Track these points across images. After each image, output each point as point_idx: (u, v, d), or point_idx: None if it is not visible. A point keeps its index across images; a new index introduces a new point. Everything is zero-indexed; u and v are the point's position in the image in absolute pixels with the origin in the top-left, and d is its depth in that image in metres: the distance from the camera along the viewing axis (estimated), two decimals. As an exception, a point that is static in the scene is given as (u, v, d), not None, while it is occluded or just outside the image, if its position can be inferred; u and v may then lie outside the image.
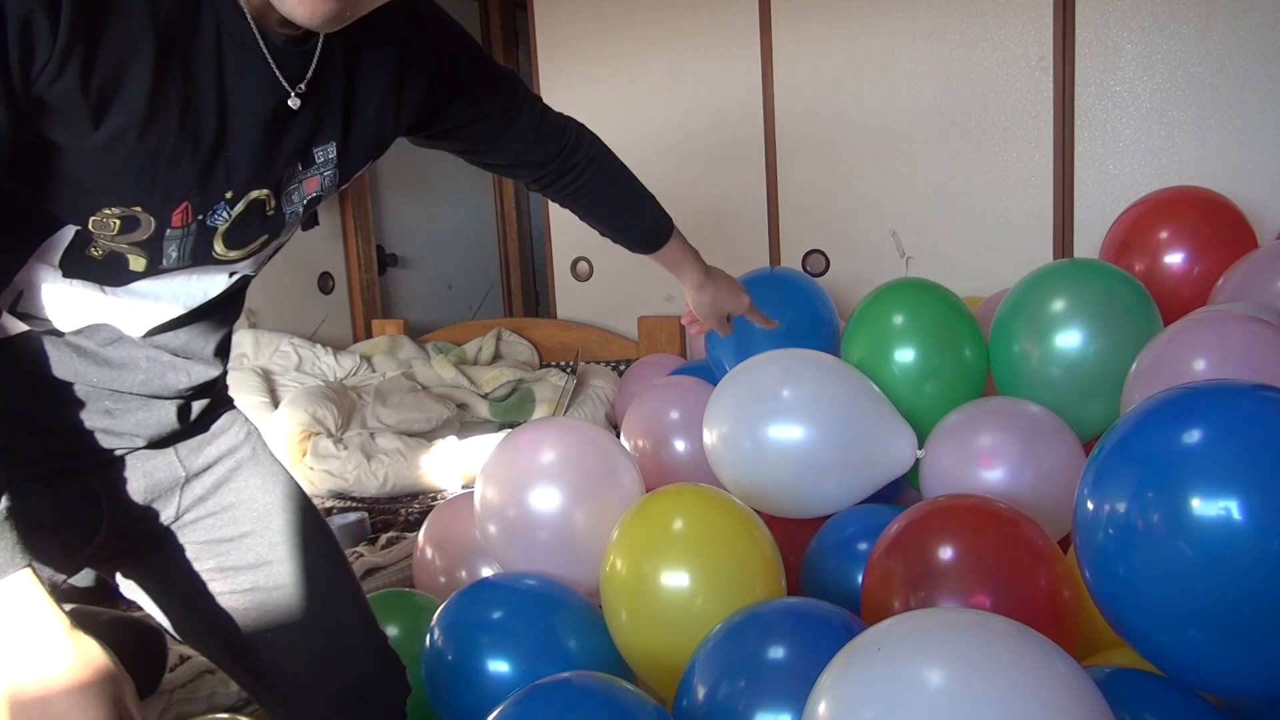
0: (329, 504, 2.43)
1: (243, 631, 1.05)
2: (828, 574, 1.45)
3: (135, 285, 0.89)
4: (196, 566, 1.04)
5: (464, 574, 1.66)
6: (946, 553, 1.18)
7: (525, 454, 1.54)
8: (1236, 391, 0.88)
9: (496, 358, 3.36)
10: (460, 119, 1.09)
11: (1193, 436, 0.85)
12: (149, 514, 1.01)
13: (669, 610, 1.26)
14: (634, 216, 1.37)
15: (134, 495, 0.98)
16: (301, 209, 0.95)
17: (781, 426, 1.55)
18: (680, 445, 1.89)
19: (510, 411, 2.95)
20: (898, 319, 1.72)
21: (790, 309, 1.94)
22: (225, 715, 1.36)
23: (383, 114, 0.97)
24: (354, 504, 2.41)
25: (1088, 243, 2.62)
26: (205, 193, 0.84)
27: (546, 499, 1.49)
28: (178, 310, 0.94)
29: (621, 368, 3.19)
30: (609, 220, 1.35)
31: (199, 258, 0.89)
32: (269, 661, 1.07)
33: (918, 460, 1.60)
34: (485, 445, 2.48)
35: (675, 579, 1.27)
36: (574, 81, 3.25)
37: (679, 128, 3.12)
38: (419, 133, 1.08)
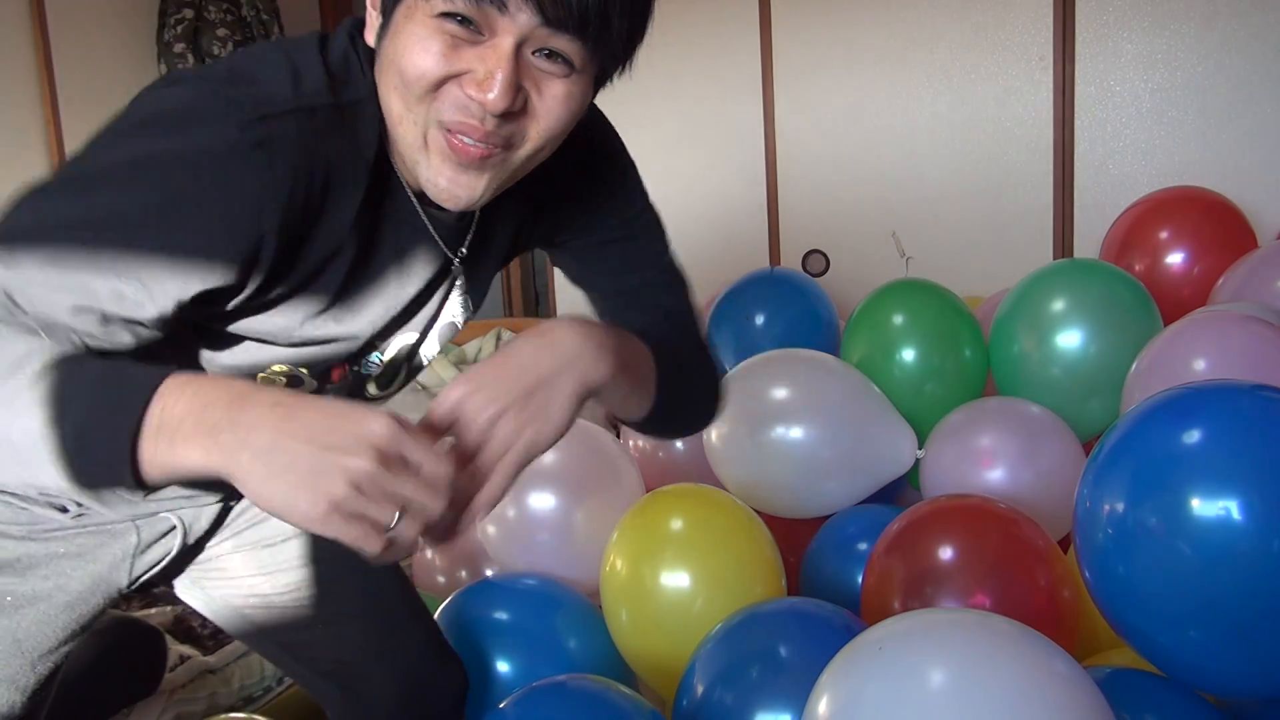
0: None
1: (295, 629, 1.06)
2: (828, 574, 1.45)
3: None
4: (243, 570, 1.06)
5: (464, 574, 1.66)
6: (946, 553, 1.18)
7: (525, 454, 1.54)
8: (1236, 392, 0.88)
9: (496, 358, 3.35)
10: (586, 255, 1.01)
11: (1193, 436, 0.85)
12: (207, 536, 1.04)
13: (669, 610, 1.26)
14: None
15: (205, 524, 1.02)
16: (438, 345, 0.98)
17: (781, 426, 1.55)
18: (680, 445, 1.89)
19: (510, 411, 2.95)
20: (898, 319, 1.72)
21: (790, 309, 1.94)
22: (226, 716, 1.36)
23: (519, 242, 0.97)
24: (354, 504, 2.40)
25: (1088, 243, 2.62)
26: (363, 352, 0.89)
27: (546, 499, 1.49)
28: None
29: (621, 368, 3.18)
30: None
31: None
32: (325, 655, 1.08)
33: (918, 460, 1.60)
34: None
35: (675, 579, 1.27)
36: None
37: (679, 127, 3.12)
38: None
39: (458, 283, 0.93)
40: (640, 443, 1.93)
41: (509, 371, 0.73)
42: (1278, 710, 0.93)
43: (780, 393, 1.58)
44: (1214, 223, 1.93)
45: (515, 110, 0.72)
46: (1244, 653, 0.82)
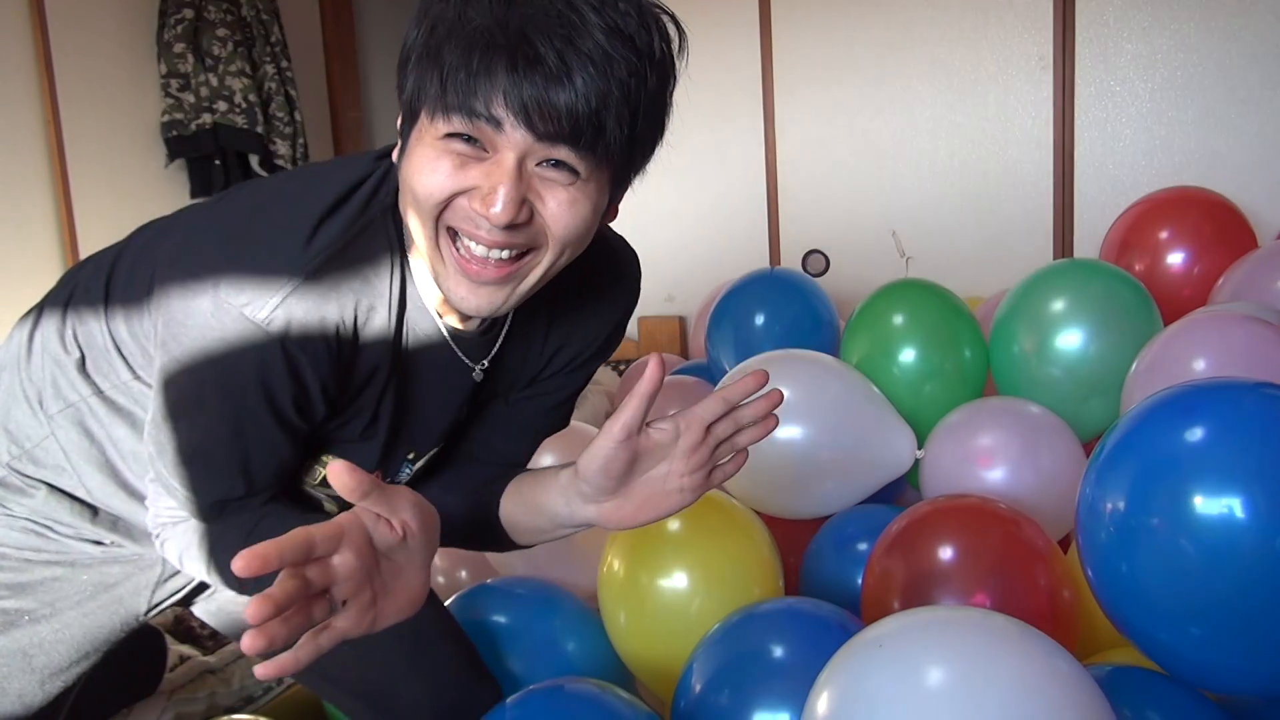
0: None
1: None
2: (828, 574, 1.45)
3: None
4: None
5: (464, 574, 1.66)
6: (946, 553, 1.18)
7: (525, 454, 1.54)
8: (1238, 390, 0.88)
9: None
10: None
11: (1194, 435, 0.84)
12: None
13: (667, 612, 1.26)
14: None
15: None
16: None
17: (781, 427, 1.54)
18: (680, 445, 1.89)
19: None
20: (898, 319, 1.72)
21: (790, 309, 1.94)
22: (226, 716, 1.35)
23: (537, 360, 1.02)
24: (354, 504, 2.40)
25: (1088, 243, 2.62)
26: (394, 460, 0.95)
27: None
28: None
29: (621, 368, 3.19)
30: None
31: None
32: (355, 675, 1.08)
33: (918, 460, 1.60)
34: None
35: (673, 580, 1.26)
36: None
37: (678, 127, 3.11)
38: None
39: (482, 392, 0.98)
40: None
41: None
42: (1279, 709, 0.93)
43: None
44: (1214, 223, 1.93)
45: (521, 222, 0.75)
46: (1246, 650, 0.82)
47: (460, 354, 0.91)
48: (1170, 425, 0.87)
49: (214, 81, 2.95)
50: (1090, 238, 2.59)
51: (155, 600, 1.03)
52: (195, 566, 0.88)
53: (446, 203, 0.75)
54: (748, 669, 1.03)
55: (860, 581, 1.32)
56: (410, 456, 0.97)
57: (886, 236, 2.83)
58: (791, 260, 3.02)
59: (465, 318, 0.89)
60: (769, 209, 3.05)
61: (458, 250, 0.78)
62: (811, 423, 1.54)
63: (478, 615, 1.33)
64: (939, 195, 2.81)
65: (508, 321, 0.94)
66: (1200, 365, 1.33)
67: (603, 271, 0.99)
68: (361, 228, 0.82)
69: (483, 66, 0.70)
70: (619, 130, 0.74)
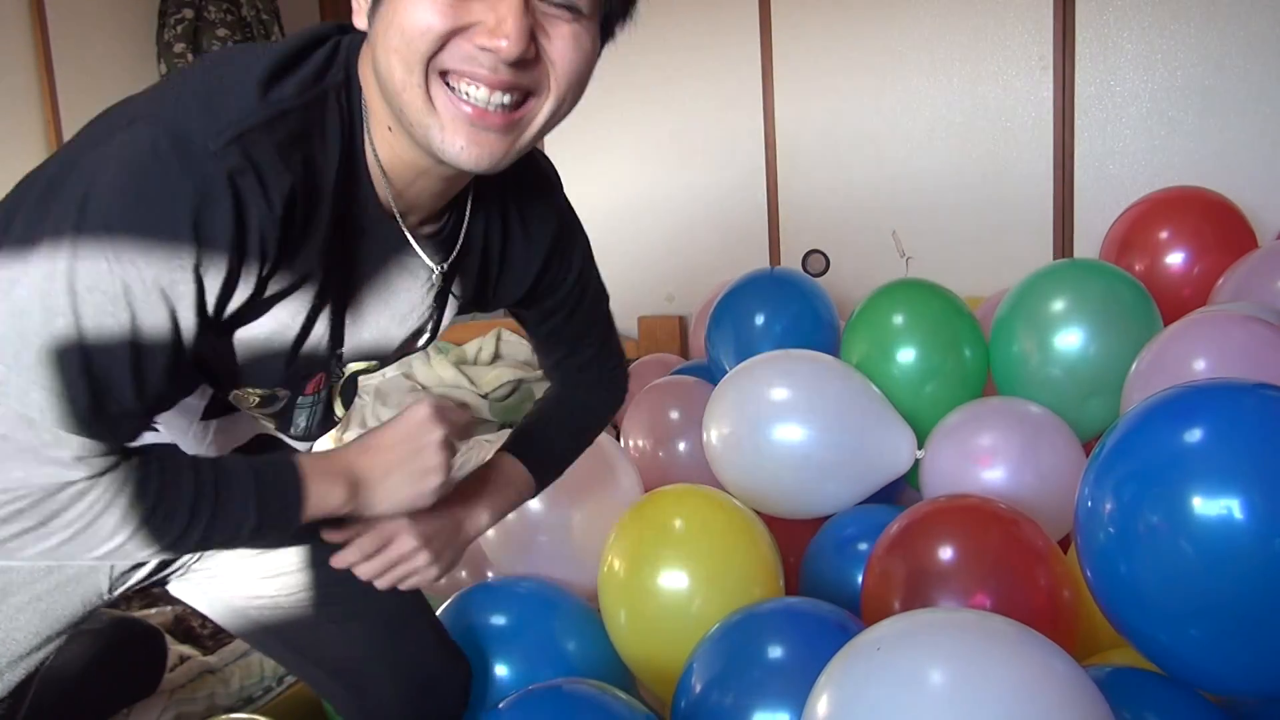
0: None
1: (299, 629, 1.07)
2: (828, 574, 1.45)
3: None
4: (243, 574, 1.05)
5: (464, 574, 1.66)
6: (946, 553, 1.18)
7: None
8: (1237, 390, 0.88)
9: (496, 358, 3.35)
10: (541, 314, 1.08)
11: (1194, 435, 0.84)
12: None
13: (667, 612, 1.26)
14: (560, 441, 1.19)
15: None
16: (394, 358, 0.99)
17: (781, 426, 1.55)
18: (680, 445, 1.89)
19: (510, 411, 2.95)
20: (898, 319, 1.72)
21: (790, 309, 1.94)
22: (226, 716, 1.35)
23: (487, 285, 0.99)
24: (354, 504, 2.40)
25: (1088, 243, 2.62)
26: (341, 364, 0.90)
27: (544, 501, 1.48)
28: None
29: (621, 368, 3.19)
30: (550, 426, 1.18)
31: (324, 423, 0.95)
32: (331, 654, 1.08)
33: (918, 460, 1.60)
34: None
35: (673, 580, 1.26)
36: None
37: (679, 127, 3.12)
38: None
39: (437, 311, 0.93)
40: (640, 443, 1.93)
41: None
42: (1278, 709, 0.93)
43: (780, 393, 1.57)
44: (1214, 223, 1.93)
45: (529, 59, 0.71)
46: (1245, 651, 0.82)
47: (420, 252, 0.85)
48: (1170, 426, 0.87)
49: (214, 81, 2.95)
50: (1090, 238, 2.59)
51: (118, 575, 0.95)
52: (112, 527, 0.73)
53: (443, 42, 0.69)
54: (748, 669, 1.03)
55: (860, 581, 1.32)
56: (363, 366, 0.91)
57: (886, 236, 2.83)
58: (791, 260, 3.02)
59: (421, 221, 0.84)
60: (769, 209, 3.05)
61: (454, 93, 0.71)
62: (811, 423, 1.54)
63: (478, 615, 1.33)
64: (939, 195, 2.81)
65: (466, 218, 0.89)
66: (1200, 365, 1.33)
67: (531, 172, 0.97)
68: (315, 97, 0.73)
69: None
70: None
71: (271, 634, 1.09)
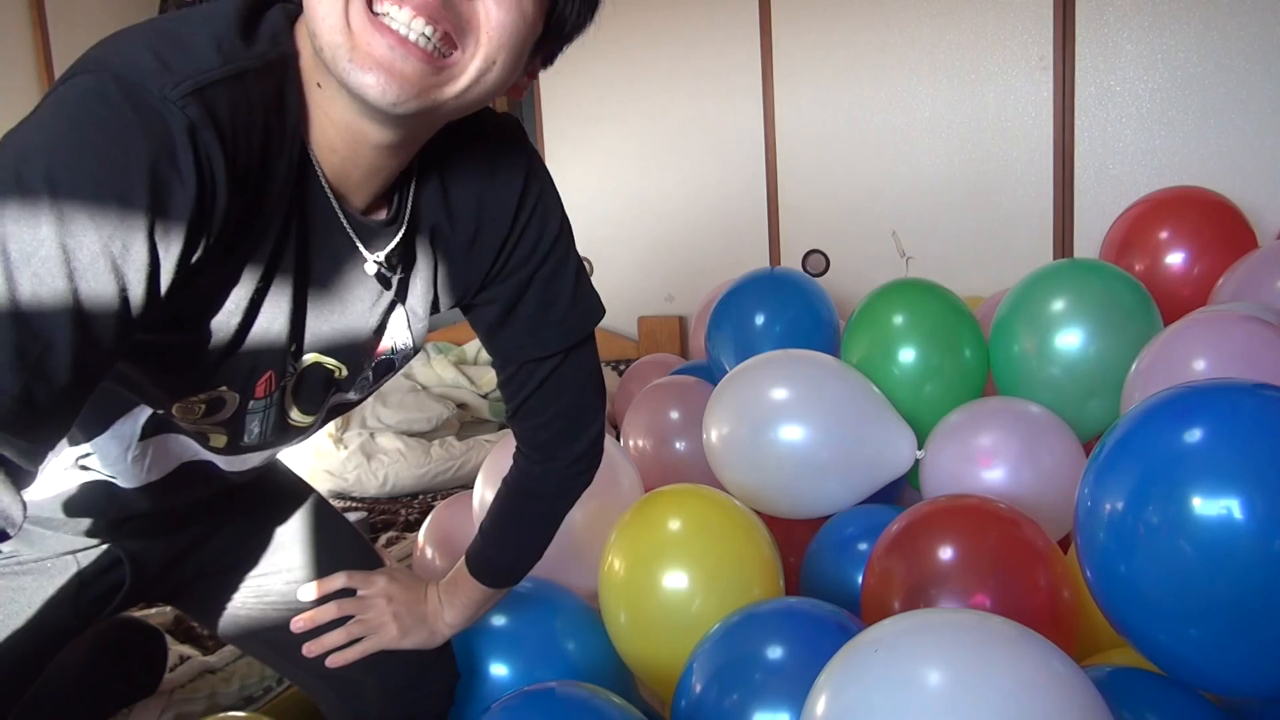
0: (329, 504, 2.43)
1: (285, 631, 1.06)
2: (828, 574, 1.45)
3: (213, 457, 0.89)
4: (226, 589, 1.06)
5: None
6: (946, 553, 1.18)
7: (525, 454, 1.54)
8: (1237, 390, 0.88)
9: (496, 358, 3.35)
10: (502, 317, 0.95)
11: (1194, 435, 0.84)
12: (175, 564, 1.02)
13: (667, 612, 1.26)
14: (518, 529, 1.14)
15: (157, 554, 1.00)
16: (373, 378, 0.91)
17: (781, 426, 1.55)
18: (680, 445, 1.89)
19: (510, 412, 2.95)
20: (898, 319, 1.72)
21: (790, 309, 1.94)
22: (226, 715, 1.35)
23: (454, 268, 0.89)
24: (354, 504, 2.41)
25: (1088, 243, 2.62)
26: (291, 359, 0.80)
27: (546, 499, 1.48)
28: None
29: (621, 368, 3.19)
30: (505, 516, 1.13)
31: (279, 429, 0.86)
32: (322, 658, 1.08)
33: (918, 460, 1.60)
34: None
35: (673, 580, 1.27)
36: (572, 81, 3.26)
37: (679, 127, 3.12)
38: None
39: (397, 305, 0.86)
40: (640, 443, 1.93)
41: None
42: (1278, 710, 0.93)
43: (780, 393, 1.58)
44: (1214, 223, 1.93)
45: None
46: (1245, 652, 0.82)
47: (354, 236, 0.77)
48: (1169, 426, 0.87)
49: (214, 81, 2.95)
50: (1090, 238, 2.59)
51: (84, 601, 0.92)
52: None
53: None
54: (748, 669, 1.03)
55: (860, 581, 1.32)
56: (305, 358, 0.82)
57: (886, 236, 2.83)
58: (791, 260, 3.03)
59: (369, 206, 0.78)
60: (769, 209, 3.05)
61: (374, 14, 0.63)
62: (811, 423, 1.54)
63: (478, 615, 1.33)
64: (939, 195, 2.81)
65: (409, 205, 0.81)
66: (1200, 365, 1.33)
67: (488, 140, 0.87)
68: (276, 59, 0.68)
69: None
70: None
71: (258, 636, 1.09)
